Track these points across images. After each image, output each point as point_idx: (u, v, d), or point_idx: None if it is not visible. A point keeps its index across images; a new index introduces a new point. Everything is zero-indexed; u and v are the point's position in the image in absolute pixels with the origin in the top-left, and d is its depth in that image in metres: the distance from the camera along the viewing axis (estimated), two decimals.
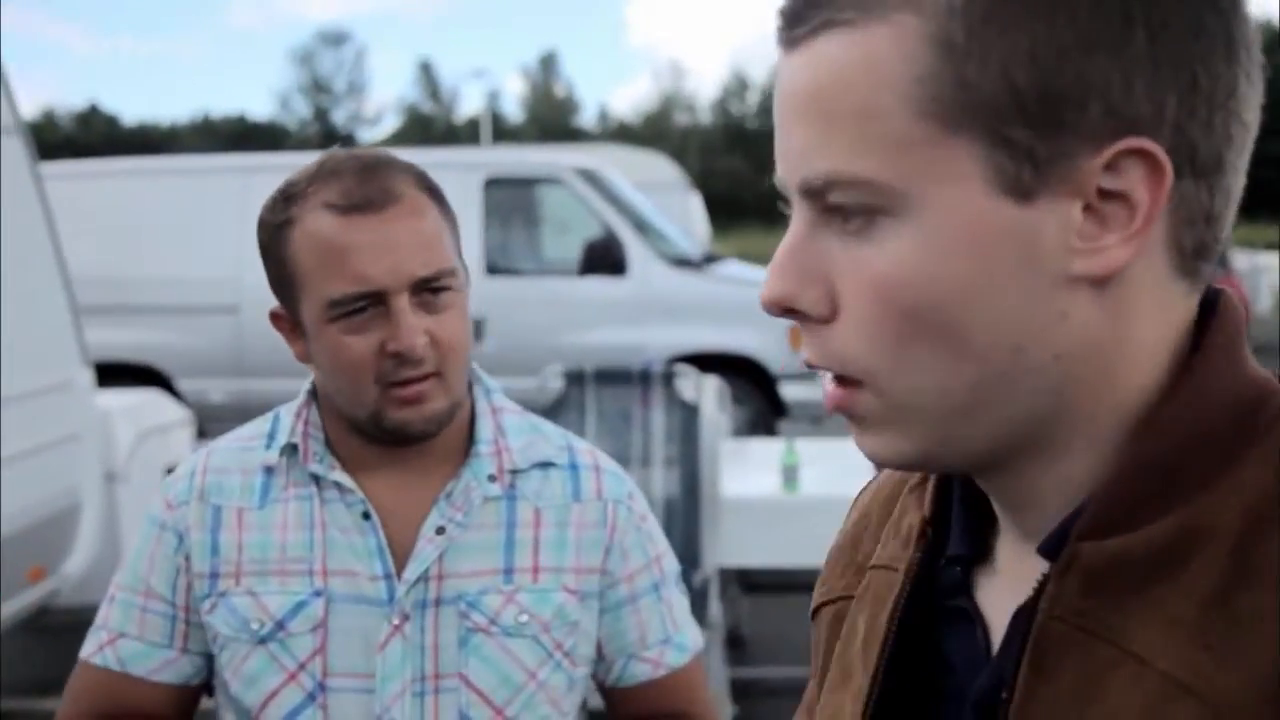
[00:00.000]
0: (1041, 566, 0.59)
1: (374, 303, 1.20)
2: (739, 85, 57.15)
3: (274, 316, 1.29)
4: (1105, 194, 0.56)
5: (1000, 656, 0.61)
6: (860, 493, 0.81)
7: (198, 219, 7.59)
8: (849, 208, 0.58)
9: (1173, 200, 0.56)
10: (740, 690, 4.01)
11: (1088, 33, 0.54)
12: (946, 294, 0.57)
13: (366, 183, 1.21)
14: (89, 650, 1.34)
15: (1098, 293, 0.57)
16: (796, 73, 0.60)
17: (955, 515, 0.67)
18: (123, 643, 1.32)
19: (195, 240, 7.58)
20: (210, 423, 6.55)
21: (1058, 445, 0.59)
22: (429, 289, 1.22)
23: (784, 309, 0.61)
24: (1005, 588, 0.63)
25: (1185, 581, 0.55)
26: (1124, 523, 0.57)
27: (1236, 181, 0.59)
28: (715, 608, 3.68)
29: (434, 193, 1.26)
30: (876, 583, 0.70)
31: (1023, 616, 0.59)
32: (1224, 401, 0.58)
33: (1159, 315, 0.58)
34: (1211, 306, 0.61)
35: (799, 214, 0.61)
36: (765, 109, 55.32)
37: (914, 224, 0.57)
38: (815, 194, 0.59)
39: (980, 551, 0.66)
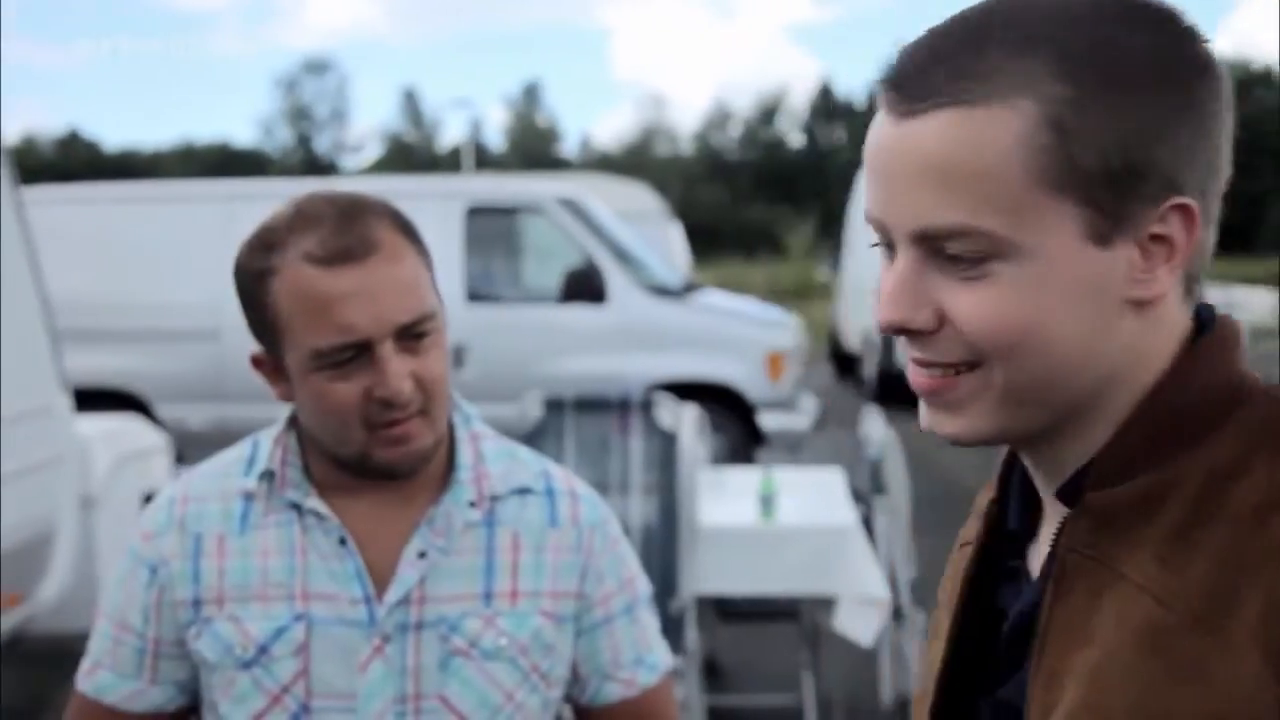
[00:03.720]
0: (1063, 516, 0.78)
1: (359, 351, 1.22)
2: (720, 117, 57.48)
3: (255, 360, 1.31)
4: (1154, 238, 0.74)
5: (1031, 587, 0.80)
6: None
7: (179, 245, 7.59)
8: (965, 254, 0.74)
9: (1196, 240, 0.75)
10: (717, 718, 4.01)
11: (1154, 126, 0.72)
12: (1045, 318, 0.74)
13: (346, 231, 1.22)
14: (79, 676, 1.38)
15: (1142, 311, 0.75)
16: (914, 139, 0.74)
17: (1013, 499, 0.86)
18: (100, 673, 1.36)
19: (177, 266, 7.57)
20: (189, 449, 6.53)
21: (1087, 422, 0.77)
22: (411, 334, 1.24)
23: (898, 329, 0.77)
24: (1041, 546, 0.81)
25: (1158, 521, 0.73)
26: (1119, 477, 0.75)
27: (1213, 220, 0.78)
28: (692, 635, 3.69)
29: (409, 232, 1.28)
30: (960, 557, 0.91)
31: (1053, 553, 0.77)
32: (1203, 390, 0.75)
33: (1172, 327, 0.77)
34: (1210, 322, 0.78)
35: (908, 254, 0.76)
36: (746, 140, 55.63)
37: (1022, 266, 0.73)
38: (931, 240, 0.74)
39: (1030, 528, 0.84)
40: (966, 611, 0.87)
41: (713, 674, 4.58)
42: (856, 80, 79.55)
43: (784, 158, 53.39)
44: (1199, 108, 0.74)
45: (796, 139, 55.51)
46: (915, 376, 0.78)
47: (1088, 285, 0.73)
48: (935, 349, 0.77)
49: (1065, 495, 0.78)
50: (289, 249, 1.22)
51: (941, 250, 0.74)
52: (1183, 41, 0.74)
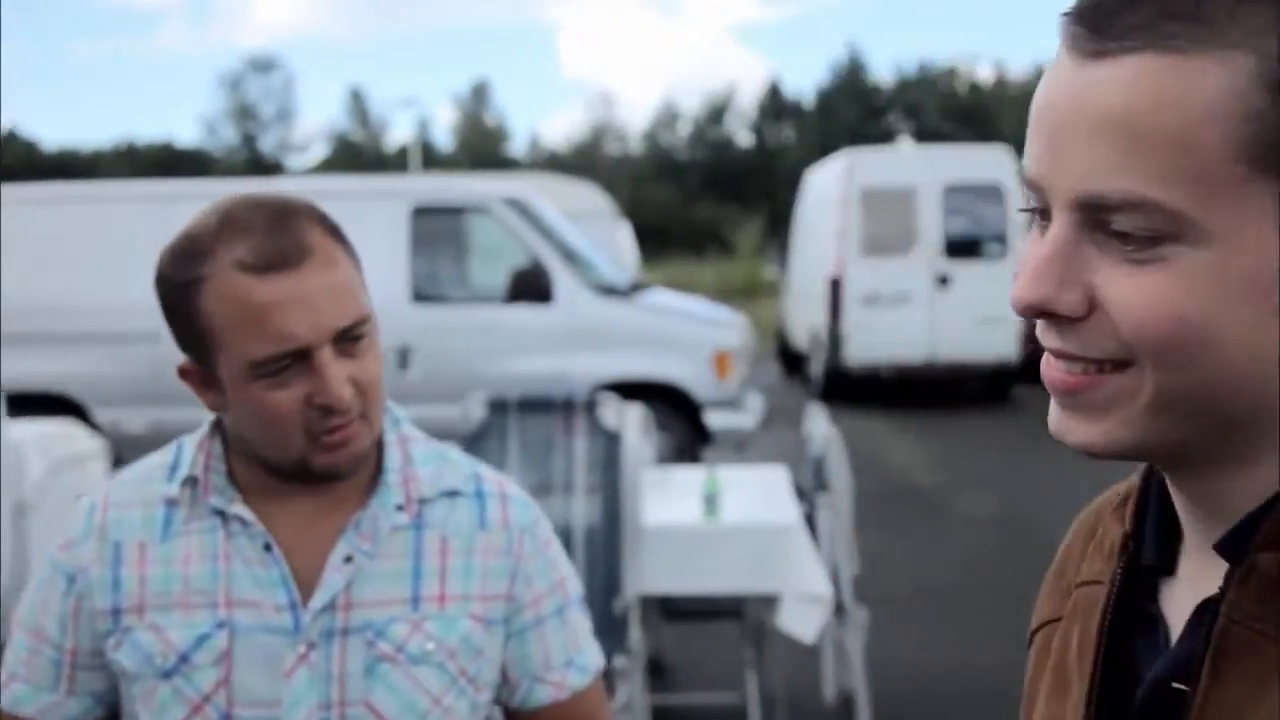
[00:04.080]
0: (1222, 570, 0.65)
1: (297, 358, 1.21)
2: (669, 116, 57.56)
3: (182, 371, 1.29)
4: None
5: (1179, 646, 0.66)
6: (1066, 538, 0.86)
7: (119, 247, 7.48)
8: (1135, 231, 0.61)
9: None
10: (661, 717, 4.02)
11: None
12: (1219, 316, 0.61)
13: (277, 237, 1.20)
14: None
15: None
16: (1102, 88, 0.61)
17: (1149, 530, 0.73)
18: (15, 685, 1.33)
19: (116, 268, 7.46)
20: (128, 452, 6.41)
21: (1251, 453, 0.65)
22: (348, 337, 1.23)
23: (1038, 311, 0.65)
24: (1185, 591, 0.69)
25: None
26: None
27: None
28: (636, 635, 3.69)
29: (338, 235, 1.27)
30: (1083, 598, 0.77)
31: (1205, 611, 0.65)
32: None
33: None
34: None
35: (1064, 223, 0.64)
36: (694, 140, 55.74)
37: (1208, 255, 0.61)
38: (1097, 209, 0.62)
39: (1167, 563, 0.72)
40: (1106, 664, 0.73)
41: (657, 673, 4.59)
42: (804, 80, 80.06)
43: (732, 157, 53.54)
44: None
45: (745, 138, 55.74)
46: (1050, 371, 0.67)
47: (1270, 284, 0.61)
48: (1079, 339, 0.65)
49: (1228, 548, 0.64)
50: (219, 257, 1.20)
51: (1106, 224, 0.62)
52: None
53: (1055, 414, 0.68)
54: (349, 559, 1.30)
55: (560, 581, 1.41)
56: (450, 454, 1.41)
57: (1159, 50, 0.60)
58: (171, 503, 1.32)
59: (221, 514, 1.31)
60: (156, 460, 1.37)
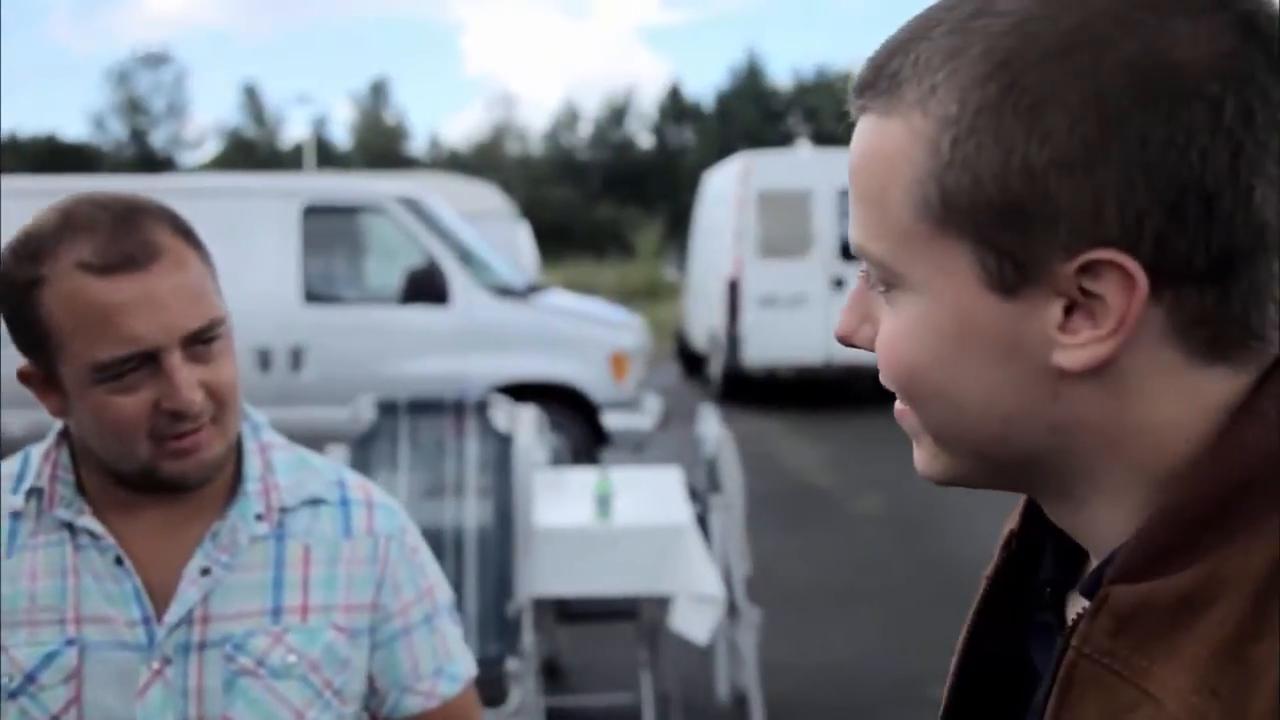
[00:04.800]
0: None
1: (144, 361, 1.17)
2: (570, 117, 57.52)
3: (22, 374, 1.23)
4: (1088, 294, 0.59)
5: (1048, 683, 0.63)
6: None
7: (2, 241, 7.22)
8: (871, 276, 0.67)
9: (1165, 303, 0.59)
10: (556, 719, 4.01)
11: (1062, 154, 0.57)
12: (939, 368, 0.64)
13: (123, 238, 1.16)
14: None
15: (1094, 379, 0.60)
16: (851, 147, 0.66)
17: (1049, 543, 0.71)
18: None
19: None
20: (9, 454, 6.21)
21: (1077, 497, 0.65)
22: (200, 341, 1.19)
23: (846, 341, 0.70)
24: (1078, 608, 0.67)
25: (1203, 629, 0.56)
26: (1153, 569, 0.59)
27: (1271, 274, 0.59)
28: (529, 637, 3.67)
29: (190, 236, 1.23)
30: (979, 591, 0.76)
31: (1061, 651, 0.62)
32: (1255, 461, 0.59)
33: (1179, 398, 0.61)
34: (1270, 375, 0.61)
35: (863, 266, 0.68)
36: (596, 141, 55.76)
37: (918, 303, 0.64)
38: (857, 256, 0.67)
39: (1072, 574, 0.70)
40: (970, 654, 0.74)
41: (552, 675, 4.56)
42: (704, 83, 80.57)
43: (633, 158, 53.71)
44: (1162, 132, 0.56)
45: (646, 140, 55.94)
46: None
47: (988, 340, 0.62)
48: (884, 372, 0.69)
49: (1088, 591, 0.63)
50: (60, 258, 1.16)
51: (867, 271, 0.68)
52: (1174, 45, 0.57)
53: None
54: (206, 571, 1.26)
55: (428, 589, 1.38)
56: (313, 460, 1.37)
57: (870, 113, 0.64)
58: (16, 515, 1.27)
59: (70, 526, 1.25)
60: (3, 470, 1.31)
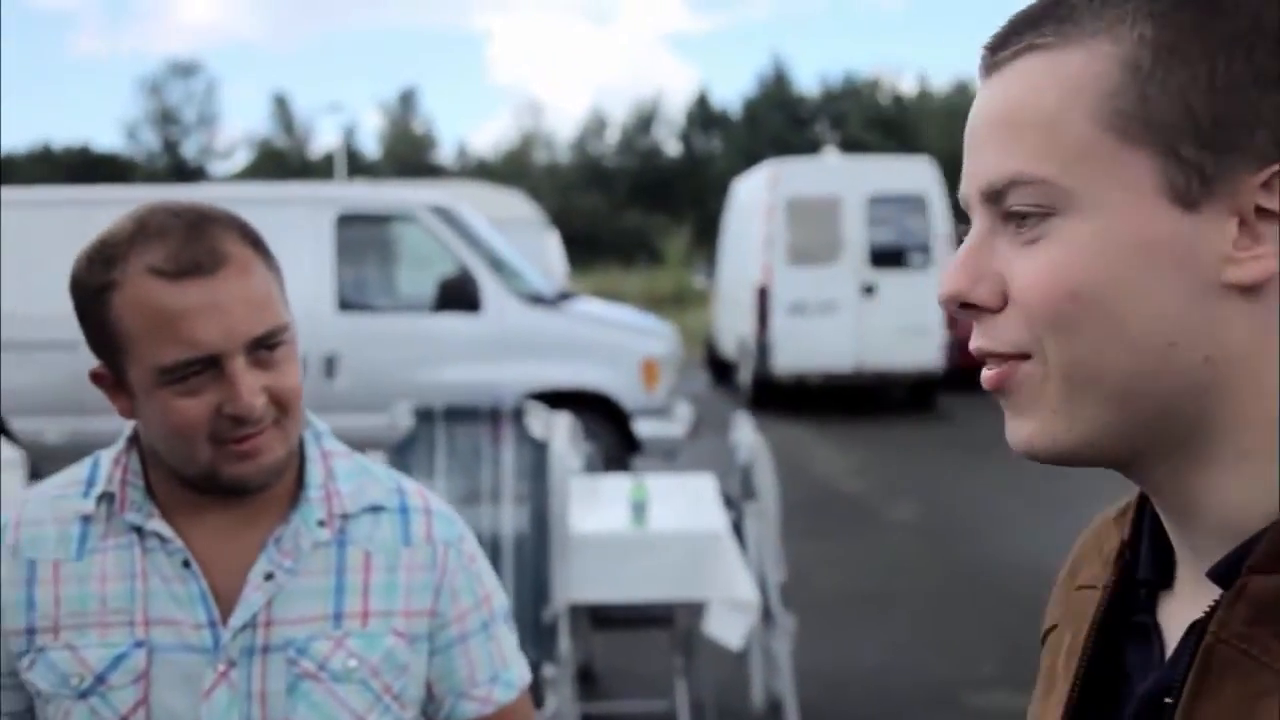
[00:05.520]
0: (1214, 590, 0.65)
1: (208, 365, 1.20)
2: (598, 124, 57.61)
3: (94, 375, 1.27)
4: (1261, 212, 0.62)
5: (1170, 665, 0.67)
6: (1079, 540, 0.88)
7: (36, 252, 7.31)
8: (1025, 211, 0.66)
9: None
10: None
11: (1262, 70, 0.62)
12: (1110, 286, 0.64)
13: (193, 244, 1.20)
14: None
15: (1248, 303, 0.63)
16: (994, 93, 0.68)
17: (1145, 541, 0.74)
18: None
19: (33, 275, 7.29)
20: (46, 463, 6.29)
21: (1207, 453, 0.65)
22: (263, 346, 1.22)
23: (959, 303, 0.69)
24: (1181, 606, 0.69)
25: None
26: None
27: None
28: (565, 643, 3.69)
29: (258, 245, 1.26)
30: (1080, 602, 0.78)
31: (1194, 633, 0.65)
32: None
33: None
34: None
35: (978, 221, 0.69)
36: (623, 148, 55.79)
37: (1086, 223, 0.64)
38: (996, 197, 0.67)
39: (1165, 576, 0.72)
40: (1092, 669, 0.75)
41: (587, 681, 4.59)
42: (731, 90, 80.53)
43: (660, 165, 53.70)
44: None
45: (673, 147, 55.94)
46: (984, 374, 0.70)
47: (1166, 253, 0.63)
48: (993, 333, 0.68)
49: (1220, 575, 0.65)
50: (131, 262, 1.20)
51: (1004, 210, 0.67)
52: None
53: (1006, 423, 0.70)
54: (270, 576, 1.28)
55: (486, 596, 1.40)
56: (373, 468, 1.39)
57: (1033, 52, 0.67)
58: (87, 519, 1.30)
59: (139, 530, 1.28)
60: (72, 475, 1.34)
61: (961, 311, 0.70)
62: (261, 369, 1.22)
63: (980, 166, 0.68)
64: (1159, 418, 0.65)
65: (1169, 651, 0.69)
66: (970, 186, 0.69)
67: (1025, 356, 0.67)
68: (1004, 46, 0.68)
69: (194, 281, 1.19)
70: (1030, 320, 0.66)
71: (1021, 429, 0.69)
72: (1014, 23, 0.69)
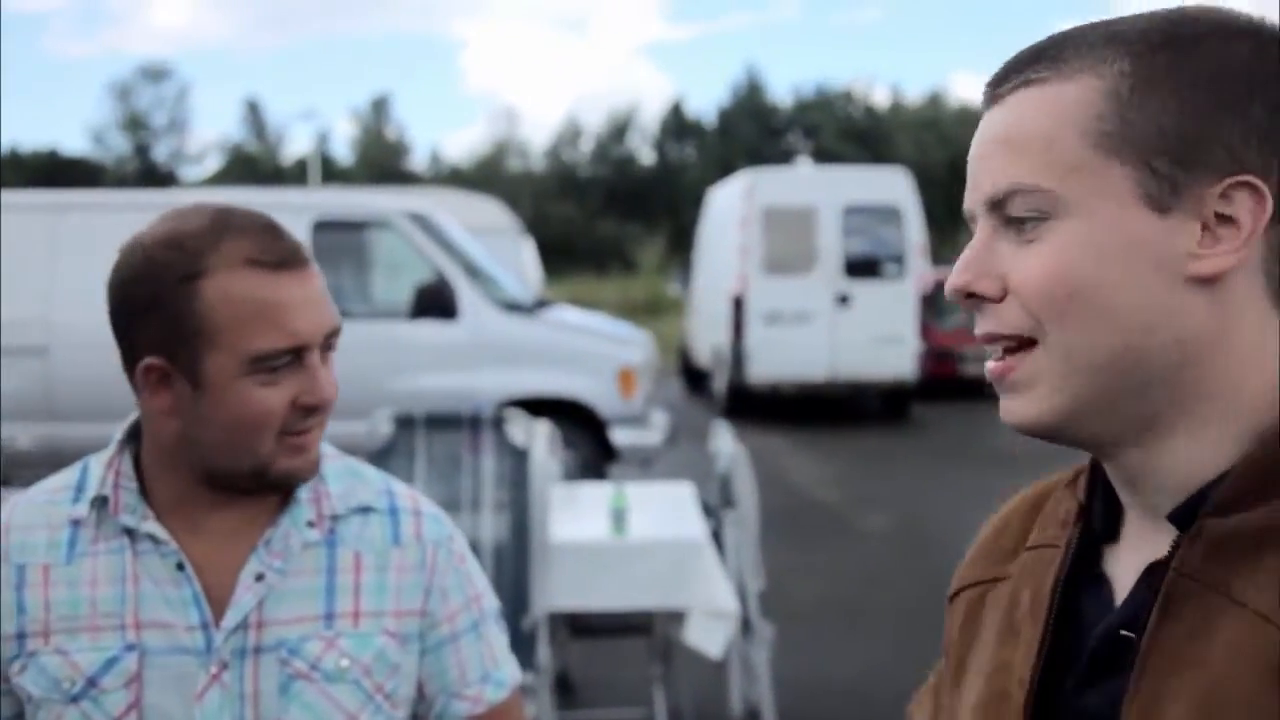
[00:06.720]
0: (1167, 537, 0.77)
1: (294, 356, 1.22)
2: (572, 133, 57.63)
3: (147, 369, 1.24)
4: (1220, 217, 0.74)
5: (1128, 602, 0.79)
6: (997, 513, 0.99)
7: (4, 257, 7.24)
8: (1025, 215, 0.77)
9: (1269, 238, 0.75)
10: None
11: (1220, 100, 0.74)
12: (1098, 277, 0.75)
13: (278, 240, 1.23)
14: None
15: (1208, 296, 0.75)
16: (996, 120, 0.80)
17: (1097, 503, 0.85)
18: None
19: (2, 280, 7.22)
20: (17, 469, 6.22)
21: (1175, 428, 0.77)
22: (328, 344, 1.26)
23: (965, 293, 0.80)
24: (1129, 556, 0.81)
25: None
26: (1240, 505, 0.74)
27: None
28: (544, 651, 3.68)
29: None
30: (1035, 560, 0.88)
31: (1155, 572, 0.76)
32: None
33: (1260, 326, 0.76)
34: None
35: (982, 227, 0.80)
36: (598, 157, 55.86)
37: (1078, 226, 0.76)
38: (998, 205, 0.79)
39: (1112, 532, 0.84)
40: (1056, 616, 0.85)
41: (565, 690, 4.57)
42: (706, 100, 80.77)
43: (635, 174, 53.81)
44: None
45: (647, 156, 56.04)
46: (989, 364, 0.81)
47: (1144, 251, 0.75)
48: (996, 318, 0.79)
49: (1179, 518, 0.77)
50: (224, 253, 1.20)
51: (1005, 216, 0.78)
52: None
53: (1001, 405, 0.81)
54: (260, 577, 1.28)
55: (476, 596, 1.40)
56: (362, 470, 1.40)
57: (1030, 85, 0.79)
58: (77, 524, 1.29)
59: (131, 533, 1.28)
60: (61, 480, 1.33)
61: (967, 302, 0.80)
62: (325, 364, 1.25)
63: (985, 180, 0.79)
64: (1139, 393, 0.76)
65: (1117, 595, 0.81)
66: (975, 198, 0.80)
67: (1028, 341, 0.78)
68: (1004, 82, 0.80)
69: (290, 273, 1.22)
70: (1029, 307, 0.77)
71: (1015, 408, 0.80)
72: (1012, 63, 0.81)
